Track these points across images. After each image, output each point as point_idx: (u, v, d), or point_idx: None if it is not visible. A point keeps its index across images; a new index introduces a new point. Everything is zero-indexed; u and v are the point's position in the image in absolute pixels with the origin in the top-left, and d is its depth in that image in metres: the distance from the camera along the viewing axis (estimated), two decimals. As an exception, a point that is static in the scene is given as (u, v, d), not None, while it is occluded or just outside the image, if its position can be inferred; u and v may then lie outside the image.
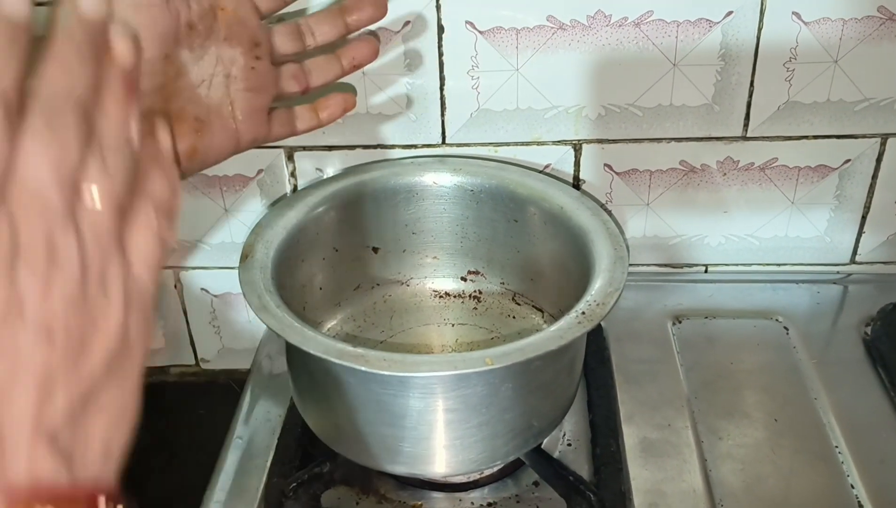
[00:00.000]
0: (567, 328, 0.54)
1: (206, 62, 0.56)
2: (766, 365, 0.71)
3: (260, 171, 0.77)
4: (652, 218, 0.78)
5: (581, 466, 0.65)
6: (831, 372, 0.70)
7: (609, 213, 0.68)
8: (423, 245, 0.75)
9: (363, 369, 0.51)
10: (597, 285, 0.58)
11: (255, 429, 0.69)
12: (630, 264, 0.79)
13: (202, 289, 0.84)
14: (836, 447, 0.64)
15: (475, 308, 0.75)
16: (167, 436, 0.85)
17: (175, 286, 0.84)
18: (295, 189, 0.77)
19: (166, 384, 0.90)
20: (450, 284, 0.77)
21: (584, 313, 0.56)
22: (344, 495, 0.64)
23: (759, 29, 0.68)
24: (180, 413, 0.87)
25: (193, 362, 0.89)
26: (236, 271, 0.61)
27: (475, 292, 0.76)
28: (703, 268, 0.81)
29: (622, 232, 0.74)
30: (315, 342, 0.53)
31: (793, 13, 0.67)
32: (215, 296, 0.84)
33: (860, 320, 0.75)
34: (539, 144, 0.74)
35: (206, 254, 0.82)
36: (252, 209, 0.79)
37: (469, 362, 0.52)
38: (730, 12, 0.67)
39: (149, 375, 0.96)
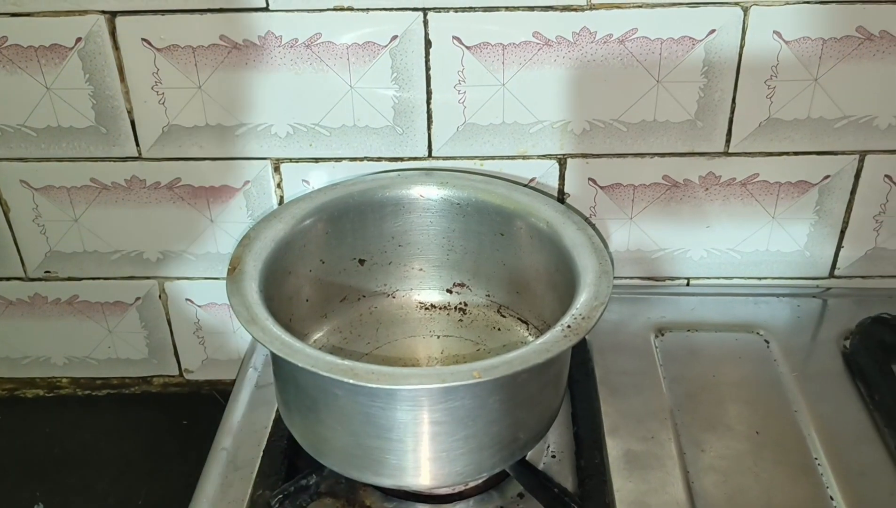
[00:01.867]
0: (553, 342, 0.55)
1: None
2: (747, 378, 0.72)
3: (246, 182, 0.77)
4: (635, 232, 0.79)
5: (566, 478, 0.65)
6: (811, 385, 0.71)
7: (594, 227, 0.69)
8: (410, 257, 0.75)
9: (352, 382, 0.52)
10: (582, 299, 0.59)
11: (240, 441, 0.69)
12: (613, 277, 0.80)
13: (187, 299, 0.84)
14: (817, 459, 0.64)
15: (461, 320, 0.76)
16: (150, 447, 0.85)
17: (160, 297, 0.84)
18: (281, 201, 0.78)
19: (149, 394, 0.90)
20: (436, 296, 0.77)
21: (569, 326, 0.56)
22: (329, 507, 0.64)
23: (742, 47, 0.69)
24: (164, 424, 0.87)
25: (177, 372, 0.89)
26: (221, 282, 0.61)
27: (461, 304, 0.77)
28: (686, 281, 0.82)
29: (607, 246, 0.75)
30: (303, 355, 0.53)
31: (774, 32, 0.68)
32: (200, 307, 0.84)
33: (839, 333, 0.76)
34: (524, 158, 0.75)
35: (192, 265, 0.82)
36: (238, 220, 0.79)
37: (457, 375, 0.52)
38: (713, 30, 0.68)
39: (132, 385, 0.95)
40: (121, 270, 0.82)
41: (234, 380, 0.77)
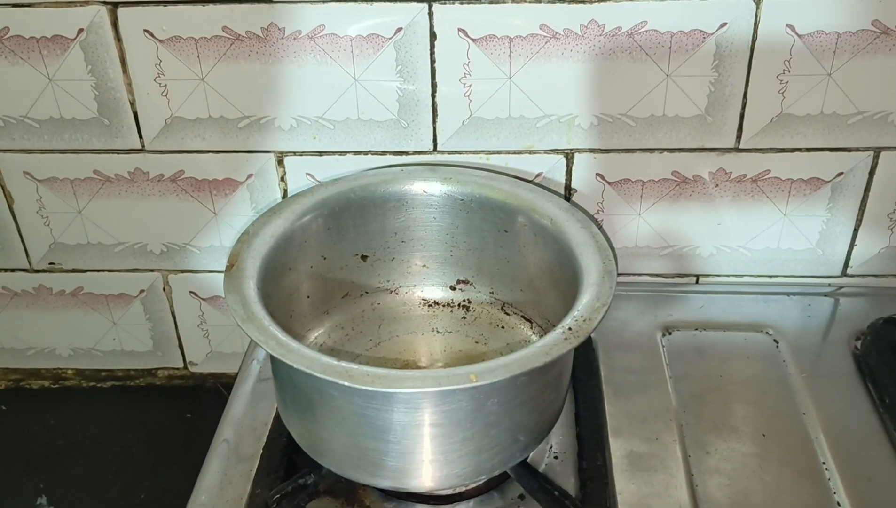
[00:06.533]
0: (553, 345, 0.54)
1: None
2: (755, 379, 0.71)
3: (250, 175, 0.76)
4: (644, 228, 0.78)
5: (567, 480, 0.64)
6: (820, 387, 0.69)
7: (599, 225, 0.67)
8: (413, 254, 0.74)
9: (347, 384, 0.51)
10: (584, 300, 0.58)
11: (241, 435, 0.69)
12: (620, 274, 0.79)
13: (191, 292, 0.84)
14: (824, 463, 0.63)
15: (464, 317, 0.75)
16: (154, 440, 0.85)
17: (164, 289, 0.83)
18: (285, 194, 0.77)
19: (154, 387, 0.90)
20: (439, 293, 0.76)
21: (570, 328, 0.55)
22: (328, 506, 0.63)
23: (753, 41, 0.68)
24: (168, 417, 0.87)
25: (182, 365, 0.89)
26: (224, 278, 0.60)
27: (464, 301, 0.76)
28: (695, 278, 0.81)
29: (612, 245, 0.74)
30: (298, 356, 0.53)
31: (787, 25, 0.67)
32: (204, 299, 0.84)
33: (850, 334, 0.74)
34: (531, 152, 0.74)
35: (196, 258, 0.81)
36: (241, 214, 0.78)
37: (454, 378, 0.51)
38: (724, 23, 0.67)
39: (136, 377, 0.96)
40: (125, 262, 0.82)
41: (238, 373, 0.76)
